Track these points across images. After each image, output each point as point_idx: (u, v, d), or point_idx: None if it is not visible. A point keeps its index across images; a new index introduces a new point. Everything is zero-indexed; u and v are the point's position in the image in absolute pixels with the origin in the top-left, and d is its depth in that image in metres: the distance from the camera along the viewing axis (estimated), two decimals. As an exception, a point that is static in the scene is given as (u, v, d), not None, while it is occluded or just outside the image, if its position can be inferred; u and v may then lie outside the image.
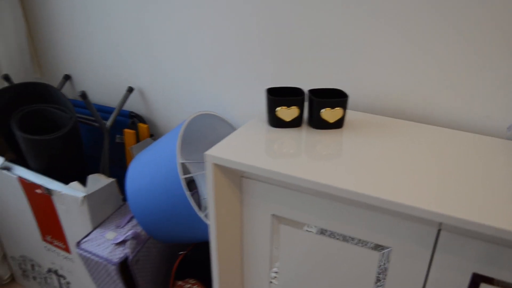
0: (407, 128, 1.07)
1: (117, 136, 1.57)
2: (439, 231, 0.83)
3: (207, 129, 1.40)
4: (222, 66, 1.36)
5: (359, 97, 1.20)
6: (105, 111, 1.60)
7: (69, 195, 1.30)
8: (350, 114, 1.15)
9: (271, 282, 1.09)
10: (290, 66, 1.25)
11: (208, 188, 0.97)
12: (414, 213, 0.77)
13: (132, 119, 1.53)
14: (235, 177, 0.99)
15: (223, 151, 0.94)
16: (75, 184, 1.34)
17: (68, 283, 1.59)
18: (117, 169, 1.64)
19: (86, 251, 1.28)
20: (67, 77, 1.69)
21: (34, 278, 1.72)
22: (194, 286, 1.27)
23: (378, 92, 1.17)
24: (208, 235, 1.22)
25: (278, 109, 1.03)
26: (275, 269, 1.06)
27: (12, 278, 1.84)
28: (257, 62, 1.30)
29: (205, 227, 1.17)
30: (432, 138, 1.03)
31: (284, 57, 1.25)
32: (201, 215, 1.13)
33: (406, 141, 1.01)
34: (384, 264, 0.92)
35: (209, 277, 1.29)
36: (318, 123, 1.04)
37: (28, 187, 1.39)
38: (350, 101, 1.22)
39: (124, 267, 1.27)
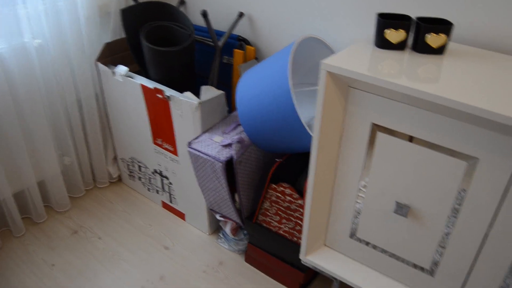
0: (507, 60, 1.15)
1: (225, 57, 1.75)
2: (528, 143, 0.93)
3: (307, 55, 1.53)
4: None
5: (464, 30, 1.28)
6: (217, 34, 1.77)
7: (186, 101, 1.50)
8: (454, 46, 1.24)
9: (359, 193, 1.24)
10: (396, -1, 1.35)
11: (318, 96, 1.12)
12: (502, 121, 0.88)
13: (240, 42, 1.70)
14: (343, 87, 1.13)
15: (337, 61, 1.08)
16: (188, 94, 1.54)
17: (170, 183, 1.83)
18: (222, 87, 1.83)
19: (196, 150, 1.49)
20: (182, 2, 1.87)
21: (139, 178, 1.98)
22: (287, 189, 1.45)
23: (482, 26, 1.24)
24: (306, 147, 1.38)
25: (386, 31, 1.14)
26: (364, 183, 1.21)
27: (119, 179, 2.13)
28: (364, -7, 1.40)
29: (306, 139, 1.33)
30: (529, 69, 1.10)
31: (391, -10, 1.34)
32: (304, 124, 1.28)
33: (504, 69, 1.09)
34: (471, 173, 1.04)
35: (299, 183, 1.46)
36: (422, 48, 1.15)
37: (149, 92, 1.61)
38: (456, 34, 1.30)
39: (228, 166, 1.47)
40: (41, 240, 1.78)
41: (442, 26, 1.11)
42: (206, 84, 1.83)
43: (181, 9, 1.90)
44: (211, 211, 1.71)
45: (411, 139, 1.09)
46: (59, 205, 1.92)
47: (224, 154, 1.44)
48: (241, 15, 1.69)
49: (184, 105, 1.52)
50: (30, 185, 1.79)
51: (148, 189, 1.97)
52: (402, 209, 1.17)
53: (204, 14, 1.55)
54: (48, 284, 1.59)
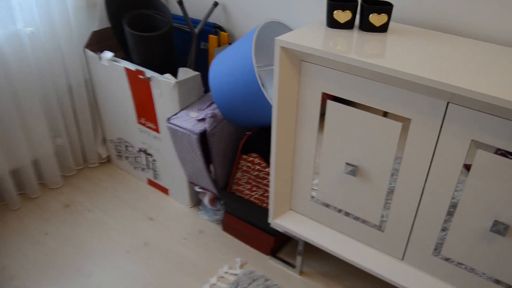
0: (441, 37, 1.31)
1: (202, 43, 1.91)
2: (447, 104, 1.09)
3: (272, 39, 1.69)
4: (293, -15, 1.63)
5: (405, 10, 1.44)
6: (193, 22, 1.93)
7: (164, 80, 1.66)
8: (395, 25, 1.40)
9: (315, 157, 1.39)
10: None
11: (274, 69, 1.27)
12: (430, 84, 1.03)
13: (215, 29, 1.85)
14: (296, 61, 1.28)
15: (289, 38, 1.24)
16: (167, 75, 1.69)
17: (154, 160, 1.98)
18: (200, 70, 1.98)
19: (174, 124, 1.64)
20: (163, -7, 2.03)
21: (127, 157, 2.14)
22: (256, 159, 1.60)
23: (421, 7, 1.40)
24: (270, 120, 1.54)
25: (335, 12, 1.30)
26: (319, 147, 1.37)
27: (108, 160, 2.28)
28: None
29: (270, 112, 1.49)
30: (463, 45, 1.26)
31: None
32: (267, 97, 1.44)
33: (436, 44, 1.25)
34: (405, 133, 1.19)
35: (266, 153, 1.61)
36: (367, 26, 1.30)
37: (132, 74, 1.76)
38: (397, 15, 1.46)
39: (202, 138, 1.62)
40: (35, 213, 1.94)
41: (383, 6, 1.27)
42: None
43: (163, -1, 2.06)
44: (191, 184, 1.87)
45: (356, 105, 1.24)
46: (52, 183, 2.07)
47: (199, 127, 1.60)
48: (215, 4, 1.84)
49: (163, 85, 1.67)
50: (25, 164, 1.94)
51: (135, 168, 2.13)
52: (351, 170, 1.33)
53: (180, 2, 1.71)
54: (42, 250, 1.75)
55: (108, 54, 1.84)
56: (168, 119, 1.66)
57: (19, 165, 1.94)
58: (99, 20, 2.02)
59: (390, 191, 1.30)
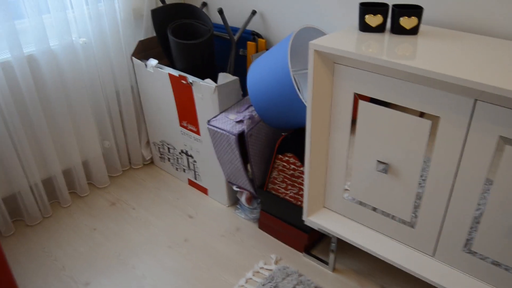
0: (469, 38, 1.35)
1: (241, 50, 2.01)
2: (475, 101, 1.13)
3: (306, 44, 1.77)
4: (327, -7, 1.71)
5: (435, 13, 1.49)
6: (233, 30, 2.04)
7: (205, 85, 1.76)
8: (426, 28, 1.45)
9: (348, 156, 1.46)
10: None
11: (309, 71, 1.35)
12: (458, 82, 1.08)
13: (253, 36, 1.96)
14: (329, 63, 1.36)
15: (323, 41, 1.31)
16: (208, 80, 1.80)
17: (194, 161, 2.09)
18: (238, 75, 2.08)
19: (214, 126, 1.74)
20: (204, 4, 2.15)
21: (169, 159, 2.26)
22: (291, 158, 1.68)
23: (452, 8, 1.45)
24: (305, 121, 1.61)
25: (366, 16, 1.37)
26: (351, 146, 1.43)
27: (151, 161, 2.41)
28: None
29: (304, 113, 1.56)
30: (490, 44, 1.30)
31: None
32: (302, 98, 1.52)
33: (465, 45, 1.29)
34: (435, 130, 1.24)
35: (301, 153, 1.68)
36: (397, 29, 1.36)
37: (175, 80, 1.88)
38: (428, 17, 1.51)
39: (240, 139, 1.71)
40: (84, 210, 2.08)
41: (413, 10, 1.33)
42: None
43: (203, 9, 2.18)
44: (229, 183, 1.96)
45: (387, 105, 1.30)
46: (99, 182, 2.21)
47: (237, 128, 1.69)
48: (254, 12, 1.95)
49: (204, 89, 1.78)
50: (76, 164, 2.09)
51: (176, 169, 2.24)
52: (382, 167, 1.38)
53: (220, 12, 1.82)
54: (89, 244, 1.88)
55: (153, 62, 1.97)
56: (209, 121, 1.77)
57: (71, 165, 2.09)
58: (145, 30, 2.16)
59: (420, 188, 1.34)
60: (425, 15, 1.52)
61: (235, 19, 2.09)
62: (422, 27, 1.46)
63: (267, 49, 1.99)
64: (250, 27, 2.05)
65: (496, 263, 1.28)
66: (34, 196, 1.99)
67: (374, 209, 1.50)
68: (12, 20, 1.68)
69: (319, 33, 1.69)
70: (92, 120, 2.07)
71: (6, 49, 1.80)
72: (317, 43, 1.31)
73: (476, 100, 1.13)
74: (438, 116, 1.21)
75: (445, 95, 1.18)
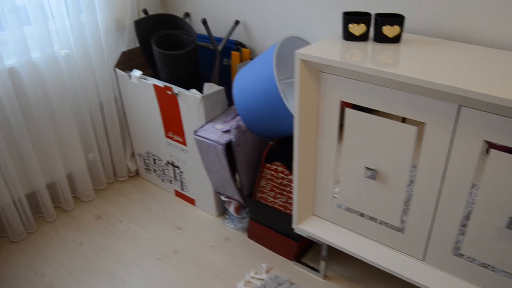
0: (452, 45, 1.38)
1: (225, 59, 2.01)
2: (459, 107, 1.15)
3: (292, 53, 1.78)
4: (306, 1, 1.73)
5: (416, 22, 1.52)
6: (216, 40, 2.04)
7: (191, 95, 1.76)
8: (408, 36, 1.47)
9: (336, 163, 1.47)
10: None
11: (295, 80, 1.36)
12: (441, 89, 1.10)
13: (237, 46, 1.96)
14: (315, 72, 1.37)
15: (308, 51, 1.32)
16: (193, 90, 1.79)
17: (181, 172, 2.08)
18: (223, 85, 2.08)
19: (201, 136, 1.74)
20: (187, 14, 2.15)
21: (155, 170, 2.24)
22: (279, 167, 1.68)
23: (433, 17, 1.48)
24: (292, 130, 1.62)
25: (350, 25, 1.38)
26: (339, 153, 1.44)
27: (137, 173, 2.39)
28: (338, -3, 1.65)
29: (291, 122, 1.57)
30: (472, 52, 1.33)
31: (360, -7, 1.59)
32: (288, 106, 1.52)
33: (448, 52, 1.32)
34: (421, 136, 1.26)
35: (289, 161, 1.69)
36: (381, 38, 1.38)
37: (161, 90, 1.87)
38: (410, 26, 1.53)
39: (228, 149, 1.71)
40: (70, 224, 2.04)
41: (396, 19, 1.35)
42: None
43: (186, 20, 2.18)
44: (217, 193, 1.95)
45: (373, 112, 1.32)
46: (85, 196, 2.18)
47: (224, 138, 1.68)
48: (237, 22, 1.95)
49: (190, 99, 1.78)
50: (60, 178, 2.06)
51: (162, 180, 2.22)
52: (370, 173, 1.39)
53: (204, 22, 1.82)
54: (77, 258, 1.85)
55: (137, 73, 1.96)
56: (195, 131, 1.76)
57: (55, 179, 2.06)
58: (128, 41, 2.15)
59: (409, 193, 1.36)
60: (407, 23, 1.54)
61: (218, 29, 2.09)
62: (404, 35, 1.48)
63: (251, 59, 2.00)
64: (233, 37, 2.05)
65: (484, 265, 1.30)
66: (18, 211, 1.95)
67: (363, 215, 1.51)
68: (-8, 33, 1.65)
69: (302, 42, 1.70)
70: (76, 132, 2.04)
71: (-14, 63, 1.77)
72: (303, 52, 1.31)
73: (460, 106, 1.15)
74: (424, 122, 1.23)
75: (430, 101, 1.19)
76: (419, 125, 1.24)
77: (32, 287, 1.72)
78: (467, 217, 1.27)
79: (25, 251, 1.90)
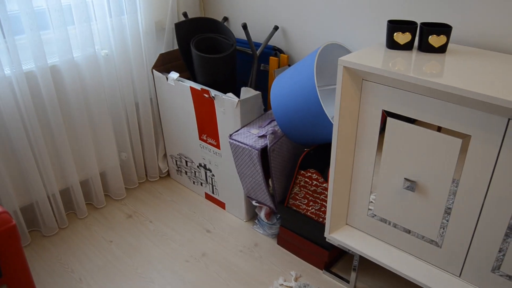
0: (498, 57, 1.35)
1: (262, 65, 2.02)
2: (508, 120, 1.12)
3: (332, 60, 1.77)
4: (347, 8, 1.72)
5: (463, 32, 1.49)
6: (254, 45, 2.04)
7: (228, 99, 1.77)
8: (454, 46, 1.45)
9: (374, 173, 1.44)
10: (407, 3, 1.57)
11: (337, 88, 1.35)
12: (490, 101, 1.08)
13: (275, 51, 1.96)
14: (357, 80, 1.35)
15: (352, 58, 1.31)
16: (230, 94, 1.80)
17: (213, 175, 2.08)
18: (260, 90, 2.09)
19: (236, 140, 1.74)
20: (225, 19, 2.16)
21: (186, 173, 2.25)
22: (313, 174, 1.67)
23: (478, 28, 1.45)
24: (330, 138, 1.60)
25: (395, 34, 1.37)
26: (377, 164, 1.42)
27: (168, 174, 2.41)
28: (379, 2, 1.64)
29: (329, 130, 1.56)
30: (519, 64, 1.30)
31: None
32: (327, 114, 1.51)
33: (495, 63, 1.29)
34: (465, 149, 1.23)
35: (323, 169, 1.68)
36: (426, 47, 1.36)
37: (197, 93, 1.88)
38: (456, 36, 1.51)
39: (263, 154, 1.71)
40: (101, 221, 2.07)
41: (442, 28, 1.33)
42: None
43: (225, 24, 2.19)
44: (248, 198, 1.94)
45: (415, 122, 1.29)
46: (116, 194, 2.21)
47: (260, 143, 1.68)
48: (276, 28, 1.95)
49: (227, 103, 1.78)
50: (93, 175, 2.08)
51: (193, 182, 2.23)
52: (409, 185, 1.37)
53: (244, 26, 1.83)
54: (107, 256, 1.86)
55: (174, 75, 1.97)
56: (230, 135, 1.76)
57: (88, 176, 2.09)
58: (166, 43, 2.18)
59: (449, 207, 1.33)
60: (453, 33, 1.52)
61: (257, 34, 2.10)
62: (450, 46, 1.46)
63: (289, 65, 1.99)
64: (272, 42, 2.06)
65: (527, 285, 1.26)
66: (52, 207, 1.98)
67: (399, 227, 1.48)
68: (38, 30, 1.69)
69: (342, 50, 1.69)
70: (111, 131, 2.07)
71: (31, 59, 1.81)
72: (346, 59, 1.30)
73: (509, 119, 1.12)
74: (469, 135, 1.20)
75: (477, 113, 1.17)
76: (464, 137, 1.22)
77: (62, 282, 1.74)
78: (510, 232, 1.23)
79: (56, 246, 1.92)
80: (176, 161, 2.28)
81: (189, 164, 2.20)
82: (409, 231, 1.46)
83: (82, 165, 2.07)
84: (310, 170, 1.67)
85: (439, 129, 1.25)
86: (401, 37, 1.37)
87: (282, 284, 1.71)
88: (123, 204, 2.19)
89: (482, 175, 1.22)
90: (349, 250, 1.60)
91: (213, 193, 2.15)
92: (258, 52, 1.95)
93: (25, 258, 1.24)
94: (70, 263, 1.83)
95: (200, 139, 2.03)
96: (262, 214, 1.93)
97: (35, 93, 1.82)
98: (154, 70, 2.07)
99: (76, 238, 1.97)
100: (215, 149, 1.98)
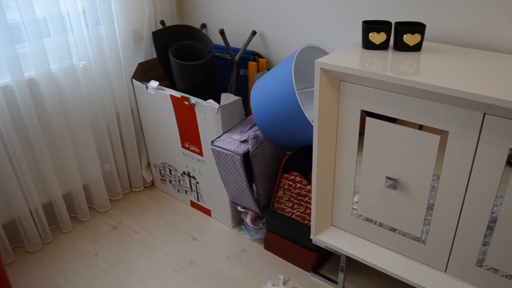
0: (473, 53, 1.37)
1: (241, 70, 2.02)
2: (484, 114, 1.14)
3: (310, 63, 1.78)
4: (323, 11, 1.73)
5: (437, 30, 1.51)
6: (233, 50, 2.04)
7: (208, 105, 1.76)
8: (428, 44, 1.47)
9: (356, 173, 1.45)
10: (382, 4, 1.59)
11: (315, 90, 1.35)
12: (466, 97, 1.09)
13: (254, 56, 1.96)
14: (335, 81, 1.36)
15: (328, 59, 1.32)
16: (210, 100, 1.79)
17: (197, 183, 2.07)
18: (240, 95, 2.09)
19: (218, 146, 1.73)
20: (203, 26, 2.16)
21: (170, 181, 2.24)
22: (297, 177, 1.67)
23: (454, 24, 1.47)
24: (310, 139, 1.61)
25: (370, 34, 1.38)
26: (359, 163, 1.42)
27: (152, 183, 2.39)
28: (353, 3, 1.65)
29: (310, 132, 1.56)
30: (498, 60, 1.31)
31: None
32: (307, 116, 1.52)
33: (469, 60, 1.31)
34: (443, 145, 1.24)
35: (306, 171, 1.68)
36: (401, 46, 1.37)
37: (177, 101, 1.88)
38: (430, 34, 1.53)
39: (245, 159, 1.70)
40: (85, 234, 2.04)
41: (416, 27, 1.34)
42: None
43: (203, 31, 2.19)
44: (233, 204, 1.94)
45: (394, 120, 1.30)
46: (100, 206, 2.18)
47: (242, 148, 1.68)
48: (254, 33, 1.96)
49: (207, 110, 1.78)
50: (76, 188, 2.06)
51: (178, 191, 2.22)
52: (391, 183, 1.38)
53: (222, 32, 1.83)
54: (93, 269, 1.84)
55: (154, 83, 1.96)
56: (212, 141, 1.76)
57: (71, 189, 2.07)
58: (144, 53, 2.17)
59: (431, 203, 1.34)
60: (427, 31, 1.54)
61: (235, 40, 2.10)
62: (425, 44, 1.47)
63: (268, 69, 2.00)
64: (250, 47, 2.06)
65: (509, 276, 1.27)
66: (35, 222, 1.95)
67: (383, 225, 1.49)
68: (13, 44, 1.67)
69: (320, 52, 1.70)
70: (92, 143, 2.05)
71: (6, 73, 1.78)
72: (323, 61, 1.31)
73: (485, 113, 1.14)
74: (447, 131, 1.22)
75: (453, 109, 1.18)
76: (442, 133, 1.23)
77: (48, 298, 1.72)
78: (492, 227, 1.24)
79: (41, 262, 1.89)
80: (160, 170, 2.26)
81: (173, 172, 2.18)
82: (394, 230, 1.47)
83: (64, 178, 2.04)
84: (293, 173, 1.67)
85: (420, 127, 1.26)
86: (377, 37, 1.38)
87: (271, 289, 1.71)
88: (107, 216, 2.16)
89: (461, 170, 1.23)
90: (335, 251, 1.60)
91: (198, 200, 2.13)
92: (237, 57, 1.96)
93: (7, 276, 1.22)
94: (56, 278, 1.80)
95: (183, 147, 2.02)
96: (248, 220, 1.92)
97: (12, 107, 1.79)
98: (133, 80, 2.06)
99: (61, 253, 1.94)
100: (198, 156, 1.97)
